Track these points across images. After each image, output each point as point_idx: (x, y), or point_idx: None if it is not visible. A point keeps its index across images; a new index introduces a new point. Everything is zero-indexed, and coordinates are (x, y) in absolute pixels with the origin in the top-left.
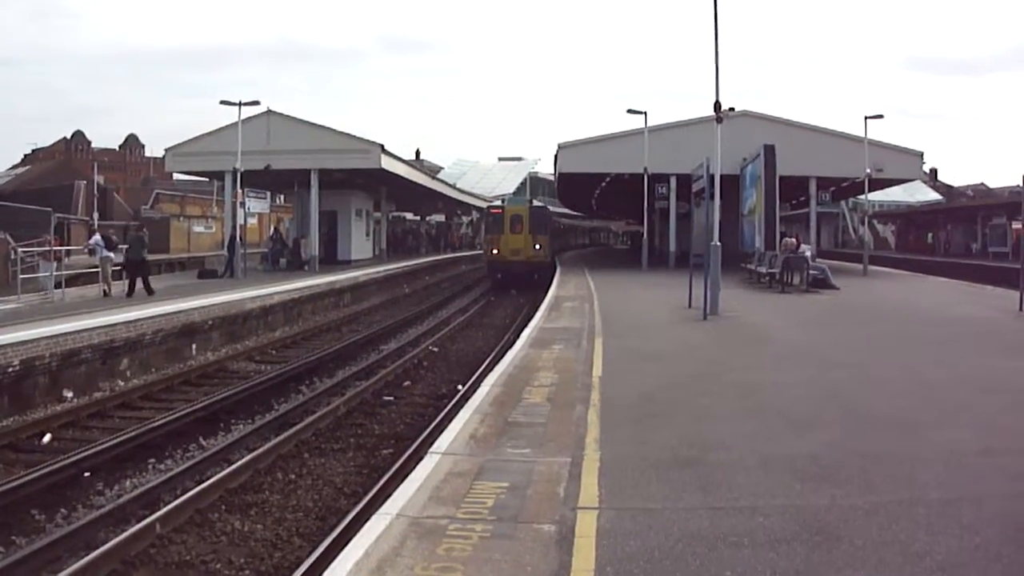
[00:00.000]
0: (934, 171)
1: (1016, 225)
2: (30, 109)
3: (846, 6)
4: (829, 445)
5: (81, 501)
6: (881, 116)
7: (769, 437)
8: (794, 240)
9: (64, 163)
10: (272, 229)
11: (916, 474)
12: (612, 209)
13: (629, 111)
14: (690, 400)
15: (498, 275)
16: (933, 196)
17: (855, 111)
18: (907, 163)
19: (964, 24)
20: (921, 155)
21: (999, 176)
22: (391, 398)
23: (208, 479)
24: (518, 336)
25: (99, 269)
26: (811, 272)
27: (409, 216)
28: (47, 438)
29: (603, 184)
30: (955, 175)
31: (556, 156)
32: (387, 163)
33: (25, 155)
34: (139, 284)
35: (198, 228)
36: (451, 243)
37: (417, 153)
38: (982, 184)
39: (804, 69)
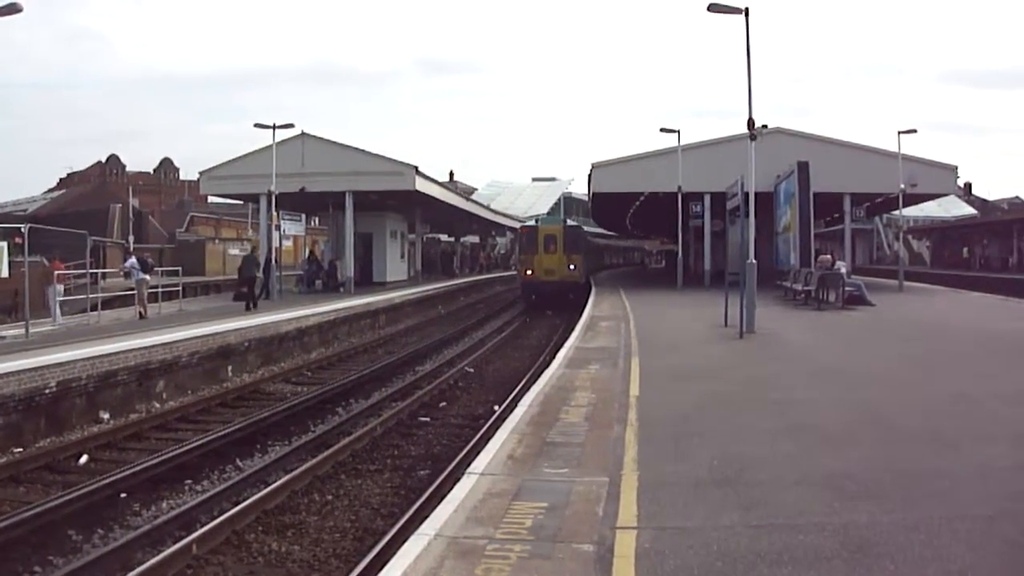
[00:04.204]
0: (968, 185)
1: None
2: (63, 133)
3: (879, 21)
4: (867, 462)
5: (118, 522)
6: (914, 131)
7: (807, 455)
8: (829, 257)
9: (99, 187)
10: (307, 251)
11: (956, 490)
12: (646, 228)
13: (663, 130)
14: (728, 418)
15: (532, 295)
16: (968, 210)
17: (889, 125)
18: (941, 178)
19: (999, 36)
20: (955, 169)
21: None
22: (427, 419)
23: (245, 500)
24: (554, 356)
25: (135, 292)
26: (847, 289)
27: (444, 237)
28: (84, 459)
29: (637, 203)
30: (990, 189)
31: (590, 175)
32: (421, 185)
33: (60, 179)
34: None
35: (233, 251)
36: (482, 264)
37: (451, 175)
38: (1017, 198)
39: (839, 84)
